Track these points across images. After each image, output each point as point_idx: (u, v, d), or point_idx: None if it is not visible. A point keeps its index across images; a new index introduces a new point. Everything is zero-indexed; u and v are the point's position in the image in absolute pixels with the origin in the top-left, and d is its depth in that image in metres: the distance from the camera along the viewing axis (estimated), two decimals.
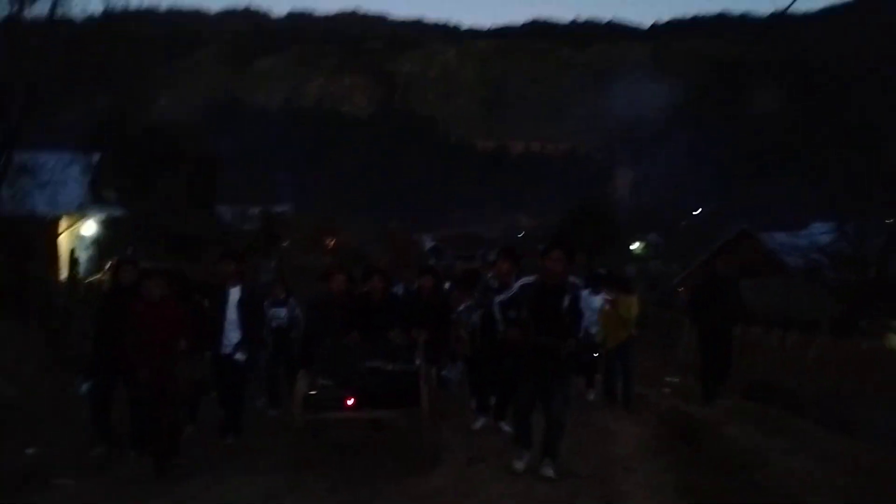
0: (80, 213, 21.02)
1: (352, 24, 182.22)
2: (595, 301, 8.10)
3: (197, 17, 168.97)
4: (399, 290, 8.34)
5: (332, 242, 33.05)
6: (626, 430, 7.04)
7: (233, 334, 6.45)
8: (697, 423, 6.90)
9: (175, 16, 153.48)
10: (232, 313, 6.48)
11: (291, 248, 27.87)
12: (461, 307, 7.45)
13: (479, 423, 7.04)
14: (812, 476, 5.03)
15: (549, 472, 5.07)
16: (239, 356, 6.44)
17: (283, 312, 8.17)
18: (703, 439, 6.28)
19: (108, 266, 7.17)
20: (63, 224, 20.26)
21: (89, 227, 21.32)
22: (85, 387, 6.36)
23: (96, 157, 22.22)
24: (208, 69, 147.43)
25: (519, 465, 5.22)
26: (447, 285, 8.69)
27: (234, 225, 31.28)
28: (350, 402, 5.50)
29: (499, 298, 5.46)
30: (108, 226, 22.23)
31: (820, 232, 24.89)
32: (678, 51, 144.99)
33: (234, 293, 6.54)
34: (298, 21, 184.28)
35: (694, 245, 38.89)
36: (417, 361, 6.04)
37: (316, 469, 5.36)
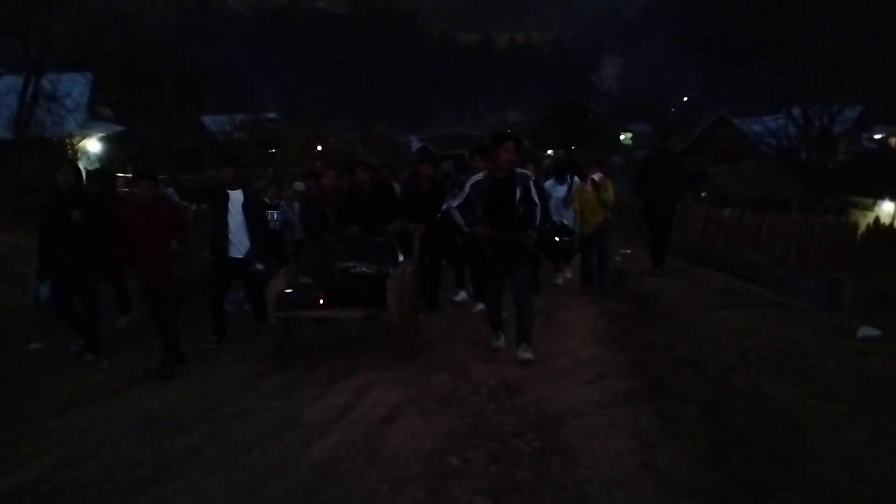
0: (83, 132, 21.65)
1: None
2: (560, 190, 8.65)
3: None
4: (397, 189, 8.18)
5: (322, 148, 33.47)
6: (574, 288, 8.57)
7: (242, 238, 6.48)
8: (627, 275, 8.98)
9: None
10: (236, 217, 6.46)
11: (282, 155, 28.46)
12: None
13: (459, 296, 7.82)
14: (687, 295, 7.38)
15: (526, 355, 5.19)
16: (259, 267, 6.54)
17: (275, 215, 8.14)
18: (627, 284, 8.51)
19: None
20: (69, 142, 20.97)
21: (93, 145, 22.01)
22: (42, 290, 6.35)
23: (89, 76, 22.63)
24: None
25: (497, 343, 5.59)
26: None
27: (223, 134, 31.71)
28: (321, 301, 5.59)
29: (454, 203, 5.37)
30: (107, 142, 22.94)
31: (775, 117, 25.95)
32: None
33: (237, 196, 6.51)
34: None
35: (680, 132, 39.47)
36: (400, 259, 6.18)
37: (291, 360, 5.72)
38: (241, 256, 6.51)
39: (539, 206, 5.13)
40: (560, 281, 9.09)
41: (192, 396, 5.04)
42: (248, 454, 3.78)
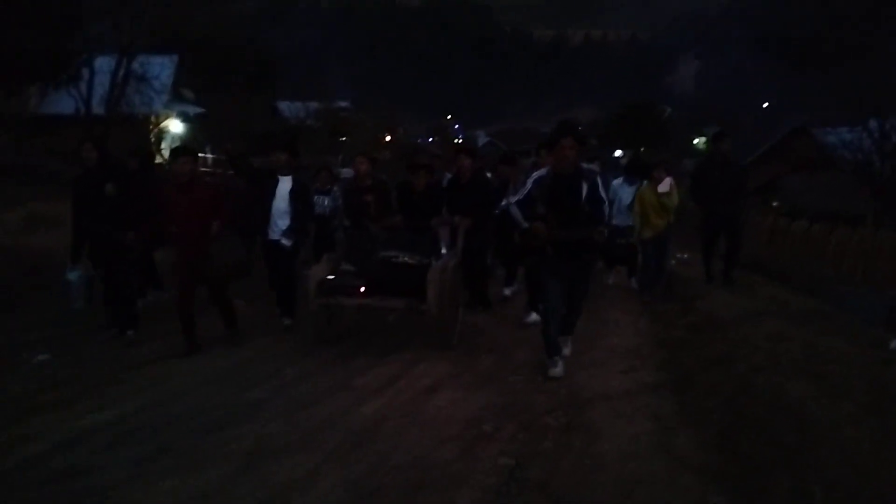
0: (167, 112, 22.95)
1: None
2: (628, 191, 8.44)
3: None
4: (445, 180, 7.99)
5: (390, 138, 34.30)
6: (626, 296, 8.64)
7: (281, 222, 6.47)
8: (677, 279, 9.09)
9: None
10: (281, 202, 6.45)
11: (353, 143, 29.34)
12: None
13: (508, 291, 7.98)
14: (731, 301, 7.34)
15: (566, 351, 5.20)
16: (285, 241, 6.44)
17: (325, 200, 8.09)
18: (675, 287, 8.55)
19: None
20: (154, 121, 22.30)
21: (175, 125, 23.33)
22: (74, 275, 6.46)
23: (175, 59, 24.02)
24: None
25: (555, 371, 4.93)
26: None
27: (296, 120, 32.88)
28: (362, 289, 5.61)
29: (514, 198, 5.12)
30: (189, 122, 24.29)
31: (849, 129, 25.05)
32: None
33: (285, 183, 6.50)
34: None
35: (758, 139, 38.37)
36: (443, 251, 6.19)
37: (330, 344, 5.80)
38: (276, 238, 6.48)
39: (606, 203, 4.92)
40: (610, 281, 9.14)
41: (258, 360, 5.60)
42: (307, 408, 4.29)
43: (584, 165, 5.01)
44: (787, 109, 47.40)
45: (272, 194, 6.47)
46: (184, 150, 6.05)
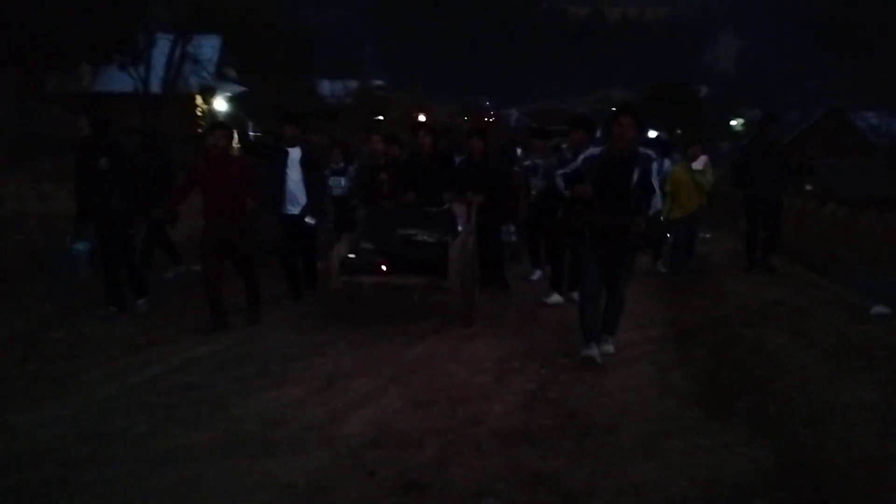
0: (211, 90, 24.02)
1: None
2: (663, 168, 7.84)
3: None
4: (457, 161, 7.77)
5: (422, 117, 35.11)
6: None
7: (299, 194, 6.46)
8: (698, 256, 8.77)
9: None
10: (294, 173, 6.44)
11: (389, 122, 30.23)
12: (526, 161, 7.69)
13: (535, 275, 7.89)
14: (741, 274, 7.92)
15: (609, 348, 4.94)
16: (309, 220, 6.47)
17: (342, 181, 8.07)
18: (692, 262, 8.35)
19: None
20: (198, 99, 23.37)
21: (220, 103, 24.41)
22: (80, 245, 6.65)
23: (219, 39, 25.08)
24: None
25: (589, 352, 4.73)
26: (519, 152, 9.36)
27: (334, 98, 33.87)
28: (383, 267, 5.70)
29: (561, 171, 4.87)
30: (232, 101, 25.37)
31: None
32: None
33: (295, 153, 6.50)
34: None
35: (796, 120, 38.23)
36: (459, 228, 6.22)
37: (353, 324, 5.84)
38: (296, 213, 6.50)
39: (658, 193, 4.67)
40: (661, 269, 8.61)
41: (310, 315, 6.37)
42: (366, 347, 5.24)
43: (642, 150, 4.70)
44: (825, 92, 46.93)
45: (283, 167, 6.47)
46: (220, 125, 6.17)
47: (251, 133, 21.74)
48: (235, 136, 8.10)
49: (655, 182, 4.64)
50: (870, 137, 29.65)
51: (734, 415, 3.72)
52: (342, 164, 8.27)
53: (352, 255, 5.83)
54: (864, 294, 7.80)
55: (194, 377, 4.56)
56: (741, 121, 57.54)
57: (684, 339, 5.46)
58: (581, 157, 4.81)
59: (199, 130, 8.37)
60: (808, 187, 28.35)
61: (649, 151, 4.78)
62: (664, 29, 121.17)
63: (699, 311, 6.38)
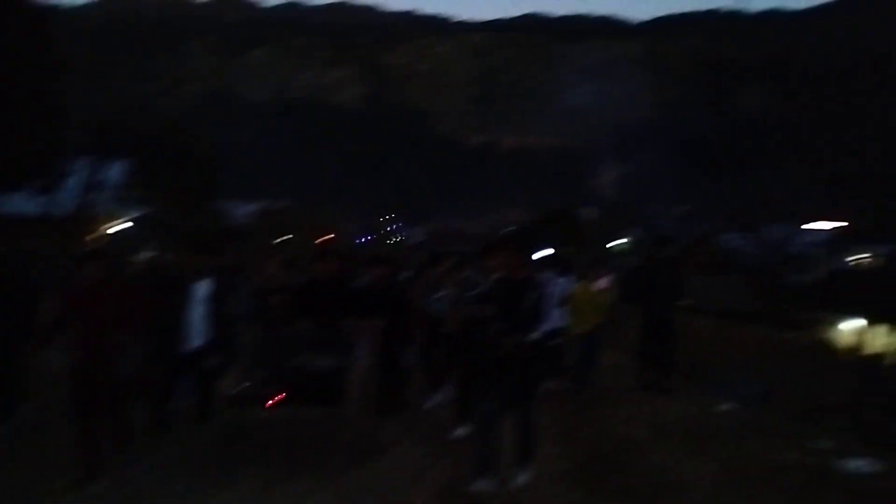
0: (109, 213, 23.95)
1: (343, 15, 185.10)
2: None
3: (185, 6, 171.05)
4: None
5: (325, 240, 35.87)
6: None
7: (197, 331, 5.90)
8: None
9: (163, 3, 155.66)
10: (197, 309, 5.90)
11: (294, 243, 30.91)
12: (438, 294, 6.98)
13: (431, 402, 7.18)
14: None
15: (524, 479, 4.87)
16: (212, 360, 5.85)
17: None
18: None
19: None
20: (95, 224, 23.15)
21: (117, 227, 24.26)
22: None
23: (126, 163, 25.38)
24: (198, 60, 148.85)
25: (481, 484, 4.68)
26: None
27: (240, 220, 34.29)
28: (277, 398, 5.32)
29: (473, 292, 5.08)
30: (134, 224, 25.29)
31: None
32: (669, 47, 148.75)
33: (202, 287, 5.97)
34: (289, 11, 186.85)
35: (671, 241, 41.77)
36: (357, 353, 5.94)
37: (247, 466, 5.07)
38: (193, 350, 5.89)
39: (541, 319, 4.95)
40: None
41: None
42: None
43: (543, 275, 5.18)
44: (708, 214, 51.40)
45: (186, 302, 5.91)
46: (93, 254, 5.82)
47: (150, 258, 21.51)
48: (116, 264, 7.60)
49: (543, 306, 4.96)
50: (735, 257, 33.11)
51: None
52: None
53: (242, 386, 5.51)
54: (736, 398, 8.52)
55: None
56: (625, 241, 62.04)
57: (567, 434, 6.28)
58: (492, 279, 5.04)
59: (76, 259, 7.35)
60: (687, 302, 30.92)
61: (549, 273, 5.30)
62: (556, 157, 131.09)
63: (588, 418, 7.03)
